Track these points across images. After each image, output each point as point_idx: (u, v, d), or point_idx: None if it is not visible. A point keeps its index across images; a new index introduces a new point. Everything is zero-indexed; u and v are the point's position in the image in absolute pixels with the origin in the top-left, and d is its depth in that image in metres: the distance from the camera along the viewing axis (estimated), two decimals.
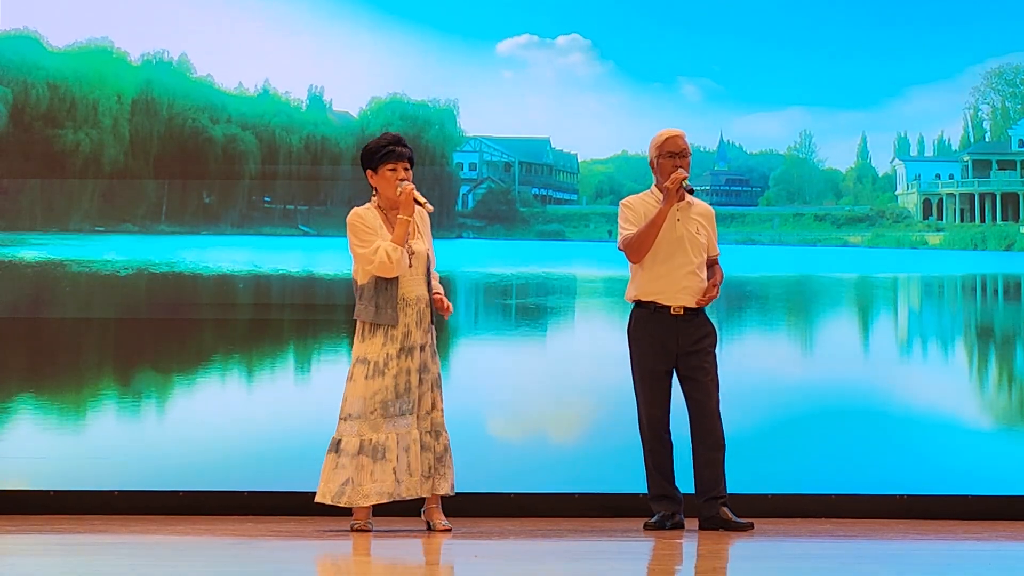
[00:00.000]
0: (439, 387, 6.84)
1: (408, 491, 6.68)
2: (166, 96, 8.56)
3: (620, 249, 7.03)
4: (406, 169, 6.80)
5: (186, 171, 8.59)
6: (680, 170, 6.93)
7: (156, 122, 8.56)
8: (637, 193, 7.18)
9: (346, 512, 6.84)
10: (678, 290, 6.98)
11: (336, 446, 6.72)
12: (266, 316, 8.58)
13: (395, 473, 6.65)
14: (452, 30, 8.53)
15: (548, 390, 8.23)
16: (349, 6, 8.62)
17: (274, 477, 7.82)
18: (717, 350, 7.06)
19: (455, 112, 8.56)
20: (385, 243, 6.68)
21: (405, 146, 6.83)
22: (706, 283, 7.03)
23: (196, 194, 8.63)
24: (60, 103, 8.48)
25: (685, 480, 7.01)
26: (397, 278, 6.72)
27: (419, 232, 6.84)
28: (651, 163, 7.08)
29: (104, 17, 8.43)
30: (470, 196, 8.81)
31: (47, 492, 7.82)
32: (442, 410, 6.83)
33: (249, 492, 7.81)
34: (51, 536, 6.78)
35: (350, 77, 8.55)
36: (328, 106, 8.65)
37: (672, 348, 6.98)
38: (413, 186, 6.75)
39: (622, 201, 7.12)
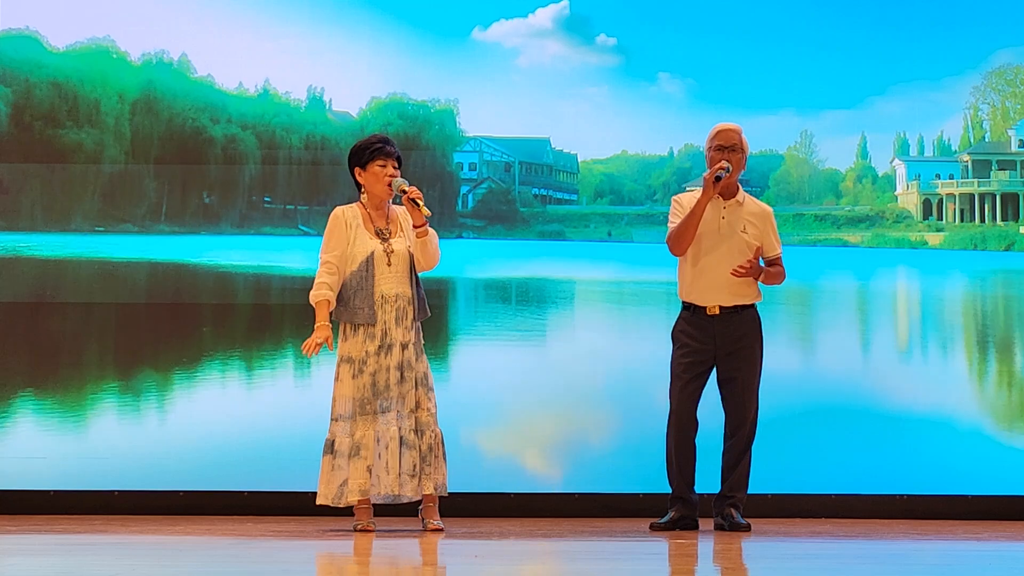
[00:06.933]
0: (425, 386, 6.80)
1: (387, 488, 6.67)
2: (167, 96, 8.56)
3: (666, 243, 7.00)
4: (395, 167, 6.84)
5: (186, 171, 8.60)
6: (723, 162, 6.88)
7: (157, 122, 8.56)
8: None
9: (346, 512, 6.85)
10: (714, 289, 6.89)
11: (331, 447, 6.73)
12: (266, 316, 8.59)
13: (370, 471, 6.65)
14: (452, 30, 8.53)
15: (548, 390, 8.23)
16: (349, 6, 8.63)
17: (274, 477, 7.82)
18: None
19: (455, 112, 8.56)
20: (324, 292, 6.72)
21: (394, 145, 6.89)
22: (749, 283, 6.92)
23: (196, 194, 8.63)
24: (61, 103, 8.48)
25: (706, 480, 7.02)
26: (374, 277, 6.73)
27: (402, 231, 6.85)
28: (705, 157, 7.00)
29: (105, 17, 8.44)
30: (470, 196, 8.82)
31: (47, 492, 7.83)
32: (429, 409, 6.78)
33: (249, 492, 7.81)
34: (51, 536, 6.78)
35: (350, 77, 8.56)
36: (328, 106, 8.66)
37: (710, 349, 6.90)
38: (414, 188, 6.75)
39: (673, 197, 7.06)
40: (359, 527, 6.73)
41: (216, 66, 8.56)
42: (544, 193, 8.90)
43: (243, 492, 7.81)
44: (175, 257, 8.53)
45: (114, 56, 8.48)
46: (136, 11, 8.46)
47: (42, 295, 8.45)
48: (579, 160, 8.85)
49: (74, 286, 8.46)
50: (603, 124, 8.57)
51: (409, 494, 6.73)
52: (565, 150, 8.83)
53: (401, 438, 6.70)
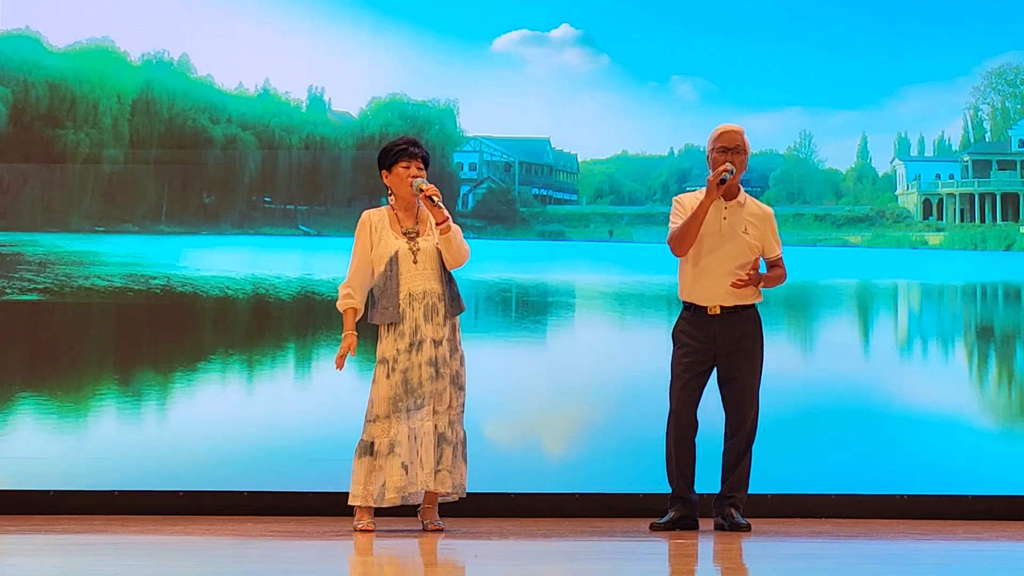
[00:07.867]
0: (456, 384, 6.84)
1: (422, 486, 6.69)
2: (166, 96, 8.56)
3: (668, 244, 7.00)
4: (419, 168, 6.88)
5: (186, 171, 8.60)
6: (727, 164, 6.88)
7: (156, 122, 8.56)
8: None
9: (347, 512, 6.84)
10: (715, 289, 6.90)
11: (370, 448, 6.73)
12: (266, 316, 8.59)
13: (405, 468, 6.66)
14: (452, 30, 8.53)
15: (548, 390, 8.23)
16: (349, 6, 8.63)
17: (274, 477, 7.82)
18: None
19: (455, 112, 8.56)
20: (348, 302, 6.80)
21: (420, 147, 6.92)
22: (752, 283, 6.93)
23: (196, 194, 8.63)
24: (60, 103, 8.48)
25: (706, 480, 7.01)
26: (398, 276, 6.75)
27: (431, 230, 6.88)
28: (707, 158, 7.03)
29: (104, 17, 8.43)
30: (470, 196, 8.81)
31: (47, 492, 7.83)
32: (455, 408, 6.83)
33: (249, 492, 7.81)
34: (51, 536, 6.78)
35: (350, 77, 8.56)
36: (328, 106, 8.65)
37: (710, 349, 6.91)
38: (432, 186, 6.78)
39: (674, 197, 7.08)
40: (359, 527, 6.74)
41: (216, 66, 8.56)
42: (544, 193, 8.90)
43: (243, 492, 7.81)
44: (175, 257, 8.53)
45: (113, 56, 8.48)
46: (136, 11, 8.46)
47: (42, 295, 8.44)
48: (579, 160, 8.85)
49: (74, 286, 8.46)
50: (603, 124, 8.57)
51: (442, 489, 6.76)
52: (565, 150, 8.83)
53: (441, 435, 6.73)
